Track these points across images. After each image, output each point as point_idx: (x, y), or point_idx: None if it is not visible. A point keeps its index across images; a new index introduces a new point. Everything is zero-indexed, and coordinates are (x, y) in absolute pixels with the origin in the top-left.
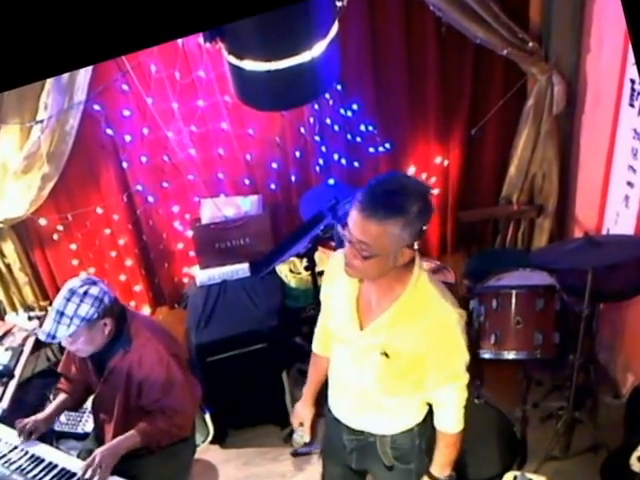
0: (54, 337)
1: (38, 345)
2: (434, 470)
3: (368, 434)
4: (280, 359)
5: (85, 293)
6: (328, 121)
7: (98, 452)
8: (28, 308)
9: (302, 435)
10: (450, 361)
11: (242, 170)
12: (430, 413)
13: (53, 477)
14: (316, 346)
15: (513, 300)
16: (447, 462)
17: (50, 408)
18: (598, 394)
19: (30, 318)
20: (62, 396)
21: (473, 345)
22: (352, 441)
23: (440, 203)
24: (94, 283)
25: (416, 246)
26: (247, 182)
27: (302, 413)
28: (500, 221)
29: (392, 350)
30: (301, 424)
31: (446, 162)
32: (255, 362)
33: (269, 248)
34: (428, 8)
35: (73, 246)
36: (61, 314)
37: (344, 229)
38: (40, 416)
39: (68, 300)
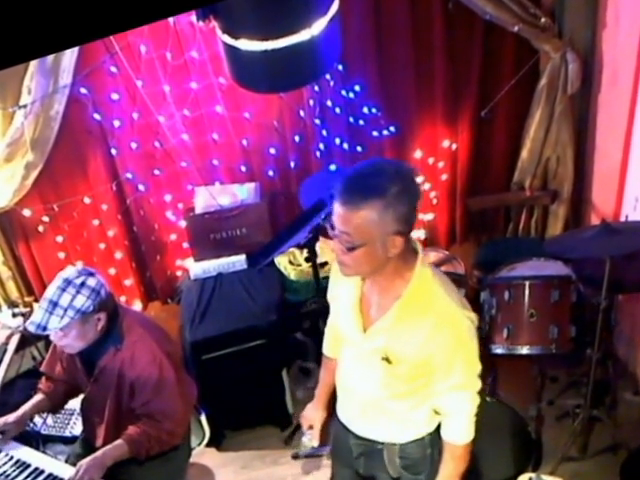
0: (45, 328)
1: (23, 344)
2: None
3: (375, 441)
4: (280, 356)
5: (82, 284)
6: (329, 103)
7: (83, 464)
8: (12, 304)
9: (311, 439)
10: (458, 368)
11: (238, 156)
12: None
13: None
14: (325, 348)
15: (526, 292)
16: (453, 476)
17: (23, 409)
18: (617, 390)
19: (14, 315)
20: (38, 397)
21: (484, 344)
22: (359, 446)
23: (448, 189)
24: (91, 274)
25: (417, 237)
26: (243, 169)
27: (312, 416)
28: (512, 208)
29: (394, 356)
30: (311, 427)
31: (454, 146)
32: (253, 360)
33: (267, 239)
34: None
35: (59, 238)
36: (54, 304)
37: (329, 224)
38: (11, 418)
39: (63, 290)
